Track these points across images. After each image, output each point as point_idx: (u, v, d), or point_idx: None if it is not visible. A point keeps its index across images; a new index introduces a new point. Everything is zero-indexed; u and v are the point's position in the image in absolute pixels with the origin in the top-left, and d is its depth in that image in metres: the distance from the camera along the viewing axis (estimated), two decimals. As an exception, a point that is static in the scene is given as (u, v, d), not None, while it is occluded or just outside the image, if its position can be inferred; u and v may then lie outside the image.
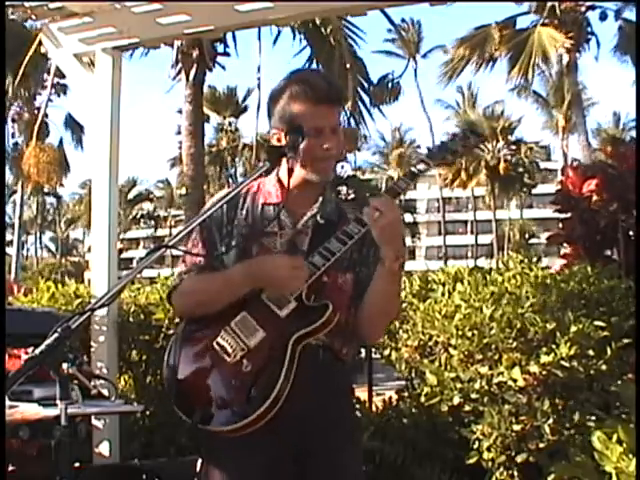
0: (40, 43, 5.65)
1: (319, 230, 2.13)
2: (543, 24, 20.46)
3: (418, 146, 54.18)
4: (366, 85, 10.52)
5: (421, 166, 2.11)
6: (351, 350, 2.20)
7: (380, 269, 2.05)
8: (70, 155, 36.47)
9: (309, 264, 2.03)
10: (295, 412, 1.99)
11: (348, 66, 9.34)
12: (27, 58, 11.64)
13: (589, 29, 21.06)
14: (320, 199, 2.18)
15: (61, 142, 33.45)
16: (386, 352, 4.21)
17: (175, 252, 2.10)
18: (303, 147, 2.06)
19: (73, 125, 31.78)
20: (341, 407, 2.16)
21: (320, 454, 2.08)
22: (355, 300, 2.14)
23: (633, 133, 40.90)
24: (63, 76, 22.00)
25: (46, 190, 40.65)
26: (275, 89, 2.18)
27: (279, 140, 2.12)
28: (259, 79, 11.32)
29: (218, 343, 2.04)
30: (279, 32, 9.45)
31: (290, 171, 2.09)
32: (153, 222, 57.68)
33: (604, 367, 3.43)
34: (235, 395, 2.00)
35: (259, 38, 9.93)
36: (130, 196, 55.49)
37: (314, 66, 10.11)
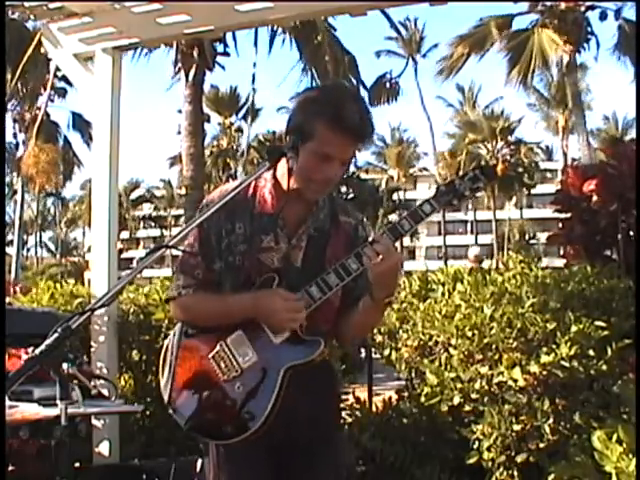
0: (40, 43, 5.65)
1: (311, 243, 2.15)
2: (543, 25, 20.38)
3: (416, 145, 54.38)
4: (355, 82, 10.45)
5: (426, 207, 2.05)
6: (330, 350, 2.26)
7: (367, 300, 2.09)
8: (82, 155, 36.36)
9: (305, 293, 2.04)
10: (281, 432, 2.07)
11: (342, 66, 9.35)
12: (27, 58, 11.65)
13: (589, 29, 20.98)
14: (314, 208, 2.17)
15: (67, 142, 33.40)
16: (386, 352, 4.21)
17: (175, 252, 2.10)
18: (305, 163, 2.03)
19: (81, 124, 31.63)
20: (326, 415, 2.21)
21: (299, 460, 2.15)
22: (341, 310, 2.18)
23: (633, 133, 40.88)
24: (64, 78, 22.03)
25: (49, 190, 40.51)
26: (307, 98, 2.11)
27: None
28: (253, 81, 11.37)
29: (214, 358, 2.08)
30: (274, 34, 9.40)
31: (290, 171, 2.07)
32: (154, 223, 57.56)
33: (604, 367, 3.42)
34: (225, 414, 2.05)
35: (255, 45, 9.95)
36: (133, 197, 55.38)
37: (304, 66, 10.04)
